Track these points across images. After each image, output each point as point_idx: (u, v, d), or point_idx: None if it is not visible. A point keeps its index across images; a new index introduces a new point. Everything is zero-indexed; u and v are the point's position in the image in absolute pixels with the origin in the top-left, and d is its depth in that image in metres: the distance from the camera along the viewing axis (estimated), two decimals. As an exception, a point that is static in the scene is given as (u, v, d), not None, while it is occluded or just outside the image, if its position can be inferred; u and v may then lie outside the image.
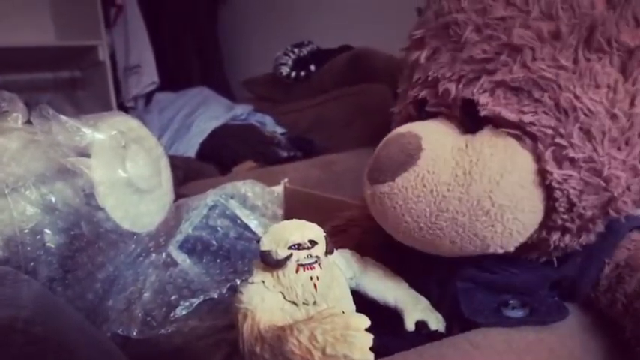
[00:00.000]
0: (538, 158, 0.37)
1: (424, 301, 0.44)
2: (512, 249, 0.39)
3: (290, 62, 1.69)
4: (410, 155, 0.39)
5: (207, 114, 1.65)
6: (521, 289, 0.42)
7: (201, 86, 1.90)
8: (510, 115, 0.38)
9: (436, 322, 0.42)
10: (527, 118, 0.37)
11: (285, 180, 0.95)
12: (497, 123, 0.39)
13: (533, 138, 0.37)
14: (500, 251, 0.39)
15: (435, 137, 0.41)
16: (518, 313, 0.40)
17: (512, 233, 0.38)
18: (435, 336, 0.40)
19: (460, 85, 0.41)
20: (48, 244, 0.54)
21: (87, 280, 0.58)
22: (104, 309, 0.60)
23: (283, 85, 1.74)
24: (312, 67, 1.65)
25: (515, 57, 0.38)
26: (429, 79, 0.43)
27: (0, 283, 0.43)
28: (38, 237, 0.53)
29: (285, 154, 1.46)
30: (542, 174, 0.37)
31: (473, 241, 0.38)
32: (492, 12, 0.40)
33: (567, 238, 0.39)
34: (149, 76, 2.23)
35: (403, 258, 0.48)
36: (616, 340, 0.40)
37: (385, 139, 0.44)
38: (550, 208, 0.38)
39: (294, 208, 0.89)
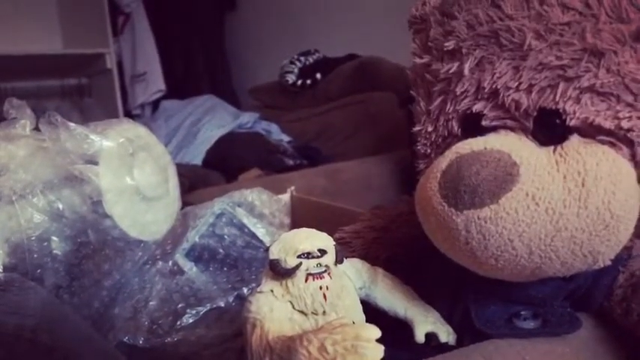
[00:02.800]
0: (636, 164, 0.36)
1: (434, 313, 0.43)
2: (610, 262, 0.37)
3: (296, 70, 1.69)
4: (508, 172, 0.35)
5: (214, 122, 1.65)
6: (535, 301, 0.41)
7: (207, 94, 1.90)
8: (606, 123, 0.36)
9: (446, 334, 0.42)
10: (625, 125, 0.36)
11: (292, 188, 0.95)
12: (583, 131, 0.37)
13: (630, 144, 0.36)
14: (602, 265, 0.37)
15: (522, 150, 0.37)
16: (530, 324, 0.39)
17: (619, 245, 0.36)
18: (445, 349, 0.40)
19: (533, 95, 0.38)
20: (55, 251, 0.54)
21: (93, 287, 0.58)
22: (110, 317, 0.60)
23: (289, 93, 1.74)
24: (319, 76, 1.65)
25: (596, 62, 0.37)
26: (485, 90, 0.41)
27: (6, 290, 0.43)
28: (45, 244, 0.53)
29: (291, 162, 1.46)
30: None
31: (585, 258, 0.35)
32: (552, 17, 0.38)
33: None
34: (156, 83, 2.24)
35: (410, 270, 0.47)
36: (631, 350, 0.39)
37: (452, 158, 0.39)
38: None
39: (302, 216, 0.89)
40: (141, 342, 0.58)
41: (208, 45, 2.40)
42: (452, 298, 0.44)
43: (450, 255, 0.40)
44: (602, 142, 0.37)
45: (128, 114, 2.23)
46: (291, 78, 1.68)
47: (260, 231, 0.75)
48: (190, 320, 0.61)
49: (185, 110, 1.77)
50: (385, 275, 0.45)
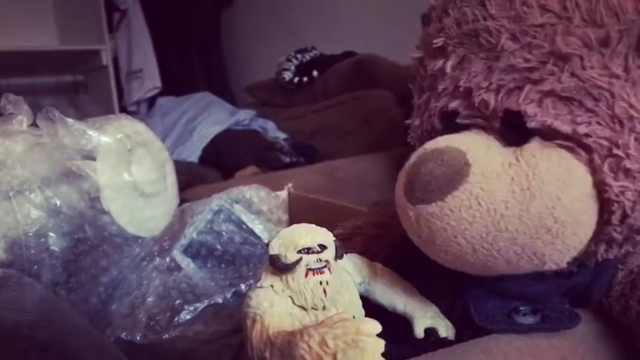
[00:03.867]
0: (594, 170, 0.36)
1: (434, 308, 0.43)
2: (565, 265, 0.38)
3: (293, 68, 1.69)
4: (458, 172, 0.37)
5: (210, 119, 1.65)
6: (534, 297, 0.41)
7: (204, 91, 1.90)
8: (563, 127, 0.36)
9: (445, 329, 0.42)
10: (582, 129, 0.36)
11: (290, 185, 0.95)
12: (545, 135, 0.37)
13: (588, 150, 0.36)
14: (555, 268, 0.38)
15: (480, 151, 0.38)
16: (529, 320, 0.40)
17: (569, 249, 0.36)
18: (445, 344, 0.40)
19: (500, 96, 0.39)
20: (52, 247, 0.54)
21: (90, 284, 0.58)
22: (108, 313, 0.60)
23: (286, 90, 1.74)
24: (315, 73, 1.65)
25: (562, 65, 0.37)
26: (461, 89, 0.41)
27: (3, 286, 0.43)
28: (42, 240, 0.53)
29: (287, 159, 1.46)
30: (599, 186, 0.35)
31: (530, 260, 0.36)
32: (528, 19, 0.38)
33: (613, 249, 0.38)
34: (151, 80, 2.24)
35: (410, 266, 0.47)
36: (629, 347, 0.39)
37: (418, 154, 0.40)
38: (603, 221, 0.36)
39: (299, 213, 0.89)
40: (138, 338, 0.58)
41: (204, 42, 2.40)
42: (451, 294, 0.44)
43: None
44: (562, 147, 0.37)
45: (124, 111, 2.22)
46: (287, 75, 1.68)
47: (258, 227, 0.75)
48: (188, 316, 0.61)
49: (181, 107, 1.77)
50: (384, 270, 0.45)
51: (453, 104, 0.42)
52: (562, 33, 0.37)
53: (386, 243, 0.54)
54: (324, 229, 0.39)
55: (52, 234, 0.54)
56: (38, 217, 0.53)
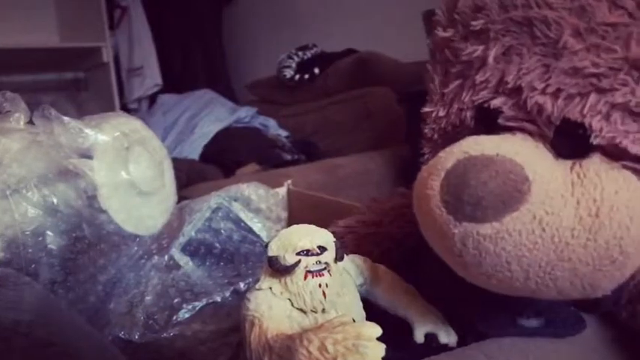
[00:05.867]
0: None
1: (435, 314, 0.42)
2: (608, 293, 0.34)
3: (294, 65, 1.68)
4: (517, 188, 0.31)
5: (211, 116, 1.64)
6: (541, 304, 0.39)
7: (205, 89, 1.90)
8: (633, 147, 0.32)
9: (446, 335, 0.41)
10: None
11: (289, 182, 0.94)
12: (608, 152, 0.33)
13: None
14: (599, 295, 0.34)
15: (537, 164, 0.33)
16: (533, 323, 0.39)
17: (622, 279, 0.33)
18: (447, 350, 0.39)
19: (559, 101, 0.34)
20: (49, 246, 0.53)
21: (89, 282, 0.57)
22: (106, 312, 0.59)
23: (287, 88, 1.73)
24: (317, 71, 1.64)
25: (637, 75, 0.32)
26: (508, 85, 0.36)
27: (2, 285, 0.43)
28: (40, 239, 0.53)
29: (288, 157, 1.45)
30: None
31: (583, 290, 0.32)
32: (596, 15, 0.34)
33: None
34: (152, 78, 2.23)
35: (407, 267, 0.47)
36: (636, 352, 0.39)
37: (459, 158, 0.34)
38: None
39: (299, 210, 0.88)
40: (137, 337, 0.57)
41: (206, 39, 2.39)
42: (451, 298, 0.43)
43: (443, 258, 0.37)
44: (626, 168, 0.33)
45: (124, 108, 2.22)
46: (288, 73, 1.68)
47: (257, 225, 0.74)
48: (186, 315, 0.60)
49: (182, 105, 1.77)
50: (386, 273, 0.44)
51: (497, 102, 0.37)
52: (638, 37, 0.32)
53: (378, 242, 0.52)
54: (324, 230, 0.39)
55: (49, 232, 0.53)
56: (35, 216, 0.52)
